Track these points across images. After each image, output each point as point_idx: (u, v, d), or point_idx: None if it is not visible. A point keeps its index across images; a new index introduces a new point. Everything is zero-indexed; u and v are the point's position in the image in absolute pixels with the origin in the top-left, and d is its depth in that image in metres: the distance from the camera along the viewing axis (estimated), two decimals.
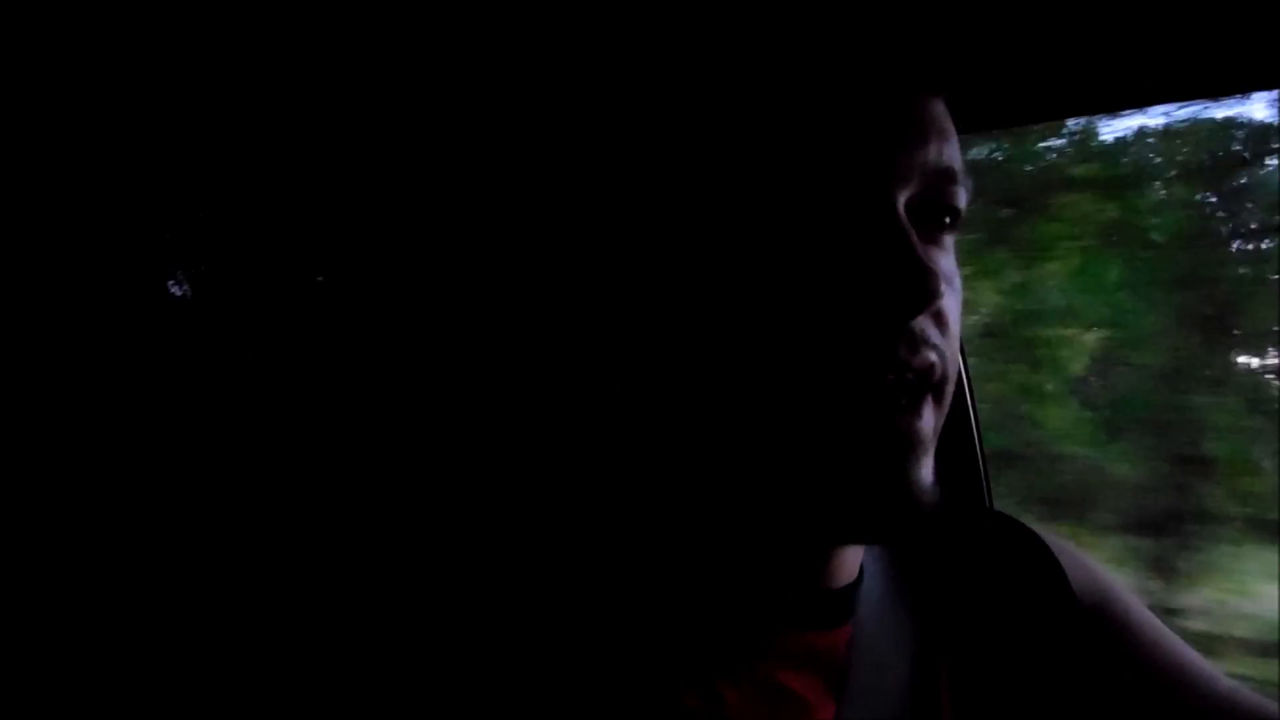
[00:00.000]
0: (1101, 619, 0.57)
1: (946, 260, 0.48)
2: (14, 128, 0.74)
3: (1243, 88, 0.68)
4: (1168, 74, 0.68)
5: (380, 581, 0.50)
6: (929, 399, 0.45)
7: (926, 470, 0.45)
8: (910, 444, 0.44)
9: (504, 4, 0.63)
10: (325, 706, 0.46)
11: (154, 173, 0.80)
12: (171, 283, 0.83)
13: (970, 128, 0.76)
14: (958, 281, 0.49)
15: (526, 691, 0.45)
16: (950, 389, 0.47)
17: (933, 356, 0.44)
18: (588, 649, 0.46)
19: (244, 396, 0.83)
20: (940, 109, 0.47)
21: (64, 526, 0.76)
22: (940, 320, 0.46)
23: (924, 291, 0.42)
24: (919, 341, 0.44)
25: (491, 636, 0.46)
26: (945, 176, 0.46)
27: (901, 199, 0.44)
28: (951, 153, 0.47)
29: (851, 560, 0.52)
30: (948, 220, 0.48)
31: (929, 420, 0.45)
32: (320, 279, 0.84)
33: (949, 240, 0.49)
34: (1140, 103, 0.71)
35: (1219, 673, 0.58)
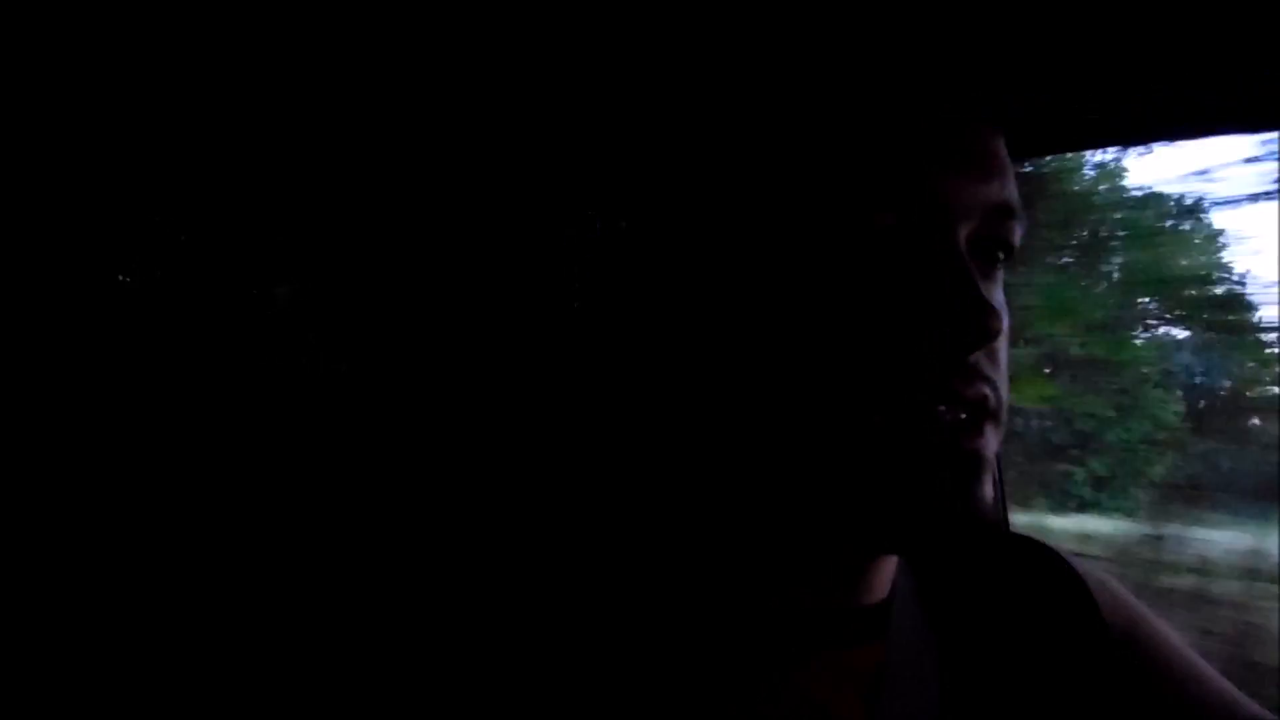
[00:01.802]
0: (1131, 646, 0.57)
1: (998, 294, 0.49)
2: (13, 128, 0.74)
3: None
4: (1226, 104, 0.68)
5: (387, 583, 0.50)
6: (989, 421, 0.46)
7: (987, 487, 0.46)
8: (974, 462, 0.45)
9: (542, 22, 0.63)
10: (329, 707, 0.45)
11: (155, 173, 0.80)
12: (171, 281, 0.82)
13: (1024, 154, 0.77)
14: (1006, 314, 0.49)
15: (541, 697, 0.45)
16: (1003, 418, 0.47)
17: (985, 389, 0.45)
18: (621, 664, 0.47)
19: (244, 395, 0.82)
20: (1000, 144, 0.48)
21: (64, 526, 0.76)
22: (992, 354, 0.47)
23: (985, 329, 0.43)
24: (973, 375, 0.45)
25: (517, 658, 0.46)
26: (1004, 213, 0.47)
27: (963, 235, 0.45)
28: (1010, 189, 0.47)
29: (884, 578, 0.52)
30: (1002, 255, 0.49)
31: (990, 441, 0.46)
32: (321, 278, 0.84)
33: (1000, 274, 0.50)
34: (1197, 133, 0.72)
35: (1250, 701, 0.57)
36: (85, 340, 0.79)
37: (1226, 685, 0.58)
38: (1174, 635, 0.60)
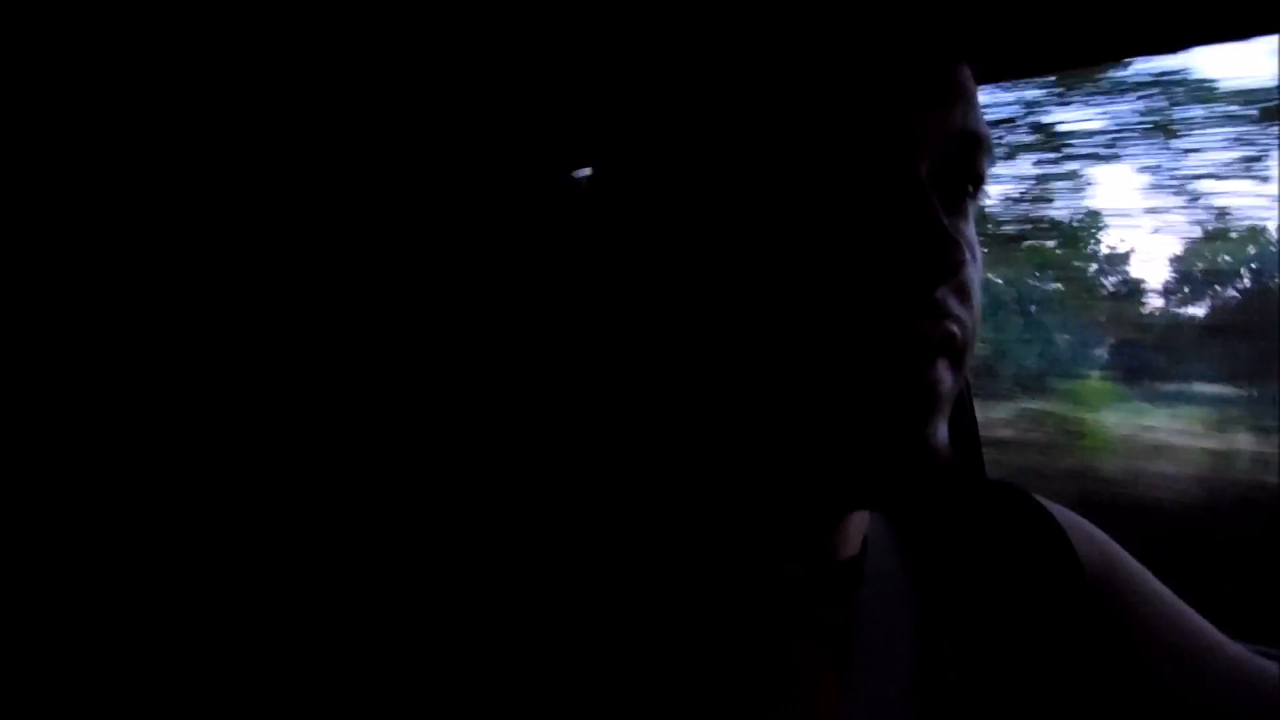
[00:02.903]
0: (1109, 589, 0.57)
1: (969, 229, 0.48)
2: (14, 128, 0.74)
3: (1261, 29, 0.68)
4: (1188, 16, 0.68)
5: (380, 579, 0.50)
6: (946, 363, 0.45)
7: (941, 431, 0.45)
8: (926, 406, 0.44)
9: None
10: (328, 705, 0.46)
11: (153, 172, 0.81)
12: (171, 281, 0.83)
13: (987, 78, 0.77)
14: (979, 251, 0.48)
15: (530, 668, 0.45)
16: (970, 359, 0.47)
17: (954, 327, 0.44)
18: (593, 618, 0.46)
19: (243, 395, 0.83)
20: (963, 73, 0.46)
21: (64, 526, 0.77)
22: (961, 290, 0.45)
23: (948, 261, 0.42)
24: (940, 312, 0.44)
25: (490, 616, 0.46)
26: (969, 143, 0.45)
27: (924, 166, 0.44)
28: (975, 118, 0.46)
29: (856, 532, 0.52)
30: (970, 188, 0.47)
31: (945, 383, 0.45)
32: (317, 276, 0.84)
33: (971, 208, 0.48)
34: (1160, 48, 0.71)
35: (1229, 640, 0.58)
36: (83, 339, 0.80)
37: (1205, 624, 0.58)
38: (1150, 577, 0.60)
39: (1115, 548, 0.60)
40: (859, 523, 0.52)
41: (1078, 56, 0.81)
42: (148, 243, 0.81)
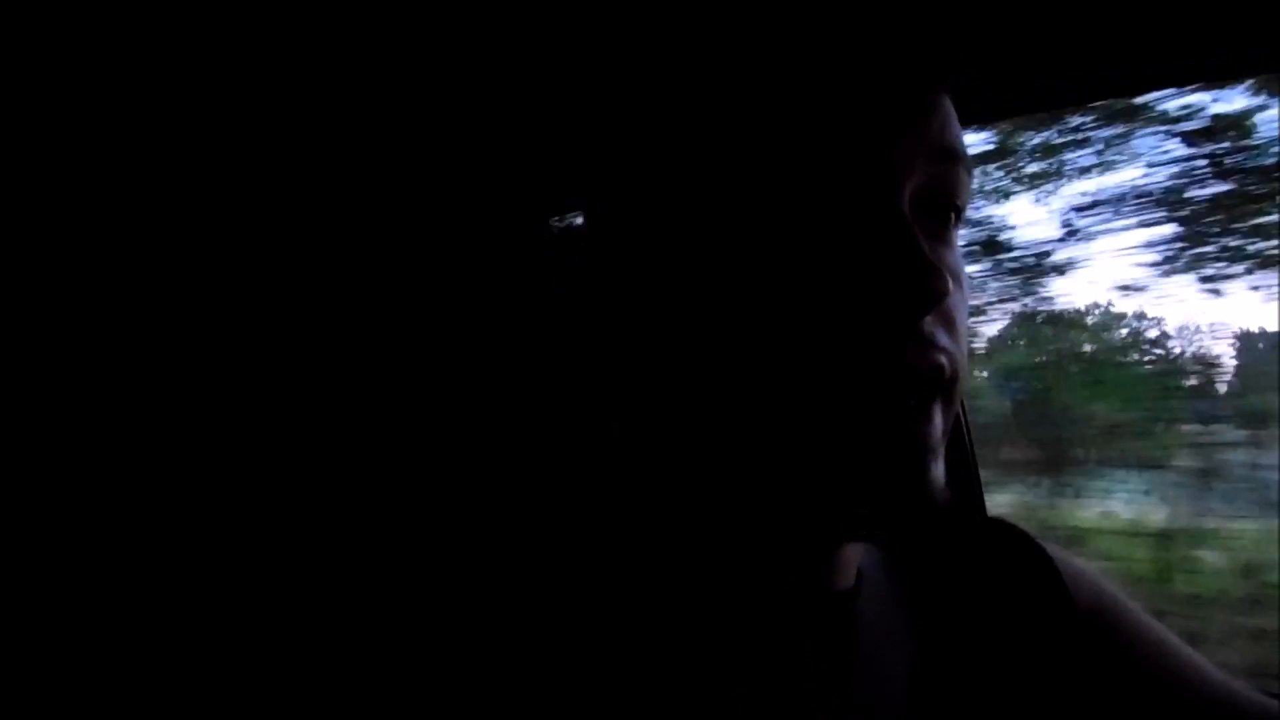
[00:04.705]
0: (1100, 624, 0.57)
1: (952, 256, 0.47)
2: (14, 128, 0.74)
3: (1242, 72, 0.68)
4: (1168, 59, 0.68)
5: (382, 584, 0.50)
6: (939, 401, 0.44)
7: (938, 471, 0.44)
8: (922, 447, 0.43)
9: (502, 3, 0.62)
10: (329, 708, 0.44)
11: (153, 173, 0.80)
12: (171, 283, 0.82)
13: (969, 120, 0.76)
14: (965, 278, 0.48)
15: (530, 697, 0.44)
16: (960, 390, 0.46)
17: (941, 358, 0.43)
18: (591, 651, 0.46)
19: (246, 398, 0.82)
20: (944, 103, 0.46)
21: (65, 526, 0.76)
22: (948, 320, 0.45)
23: (930, 291, 0.41)
24: (927, 343, 0.43)
25: (493, 642, 0.45)
26: (949, 171, 0.45)
27: (905, 195, 0.43)
28: (955, 146, 0.46)
29: (850, 564, 0.51)
30: (952, 215, 0.47)
31: (939, 422, 0.44)
32: (322, 281, 0.84)
33: (954, 235, 0.48)
34: (1141, 90, 0.71)
35: (1221, 673, 0.57)
36: (83, 342, 0.79)
37: (1198, 659, 0.57)
38: (1142, 612, 0.59)
39: (1108, 584, 0.60)
40: (852, 555, 0.51)
41: (1056, 98, 0.81)
42: (149, 248, 0.81)
